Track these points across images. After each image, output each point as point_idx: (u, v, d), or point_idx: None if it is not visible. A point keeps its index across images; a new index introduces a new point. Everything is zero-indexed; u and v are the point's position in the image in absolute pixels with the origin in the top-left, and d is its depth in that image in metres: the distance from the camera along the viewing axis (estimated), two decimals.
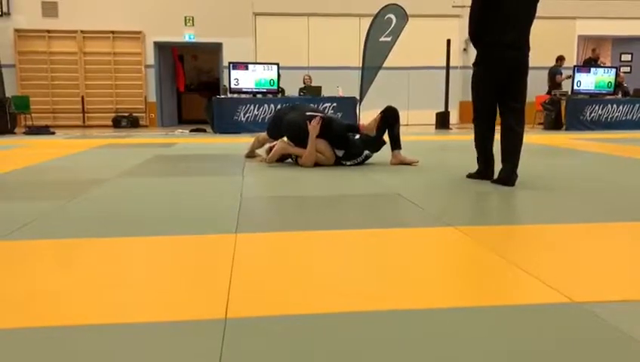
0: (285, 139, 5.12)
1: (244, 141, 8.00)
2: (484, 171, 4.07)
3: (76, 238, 2.39)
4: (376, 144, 5.10)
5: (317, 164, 4.92)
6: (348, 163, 4.98)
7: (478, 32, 3.81)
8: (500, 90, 3.88)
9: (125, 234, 2.48)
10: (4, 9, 12.52)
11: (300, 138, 4.92)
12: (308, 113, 5.07)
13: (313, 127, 4.83)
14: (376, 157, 5.21)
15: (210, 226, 2.62)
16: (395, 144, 5.11)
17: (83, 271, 1.94)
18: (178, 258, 2.13)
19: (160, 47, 13.69)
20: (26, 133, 10.38)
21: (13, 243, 2.32)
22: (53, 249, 2.24)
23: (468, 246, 2.26)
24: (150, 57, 13.51)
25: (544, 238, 2.45)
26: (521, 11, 3.77)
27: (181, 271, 1.97)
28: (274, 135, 5.25)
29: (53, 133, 10.44)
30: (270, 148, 5.28)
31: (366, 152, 5.03)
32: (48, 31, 13.01)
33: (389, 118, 5.10)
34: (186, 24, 13.40)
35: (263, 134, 5.48)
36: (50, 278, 1.86)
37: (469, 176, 4.20)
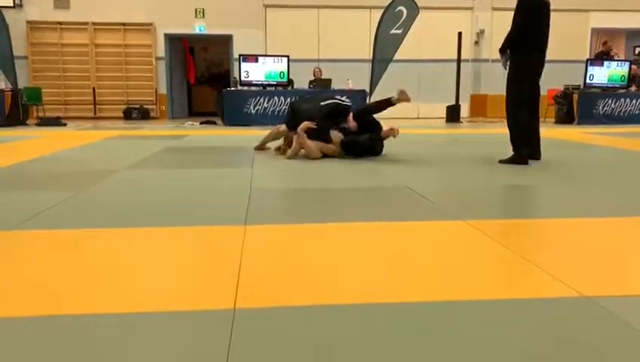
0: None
1: (254, 133, 8.01)
2: (530, 152, 4.59)
3: (86, 229, 2.41)
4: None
5: (325, 155, 4.92)
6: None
7: (523, 40, 4.51)
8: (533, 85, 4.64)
9: (135, 225, 2.50)
10: (17, 1, 12.59)
11: (315, 131, 4.90)
12: (322, 103, 5.05)
13: (305, 125, 4.81)
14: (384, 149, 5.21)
15: (220, 217, 2.63)
16: (385, 102, 5.09)
17: (93, 262, 1.95)
18: (188, 248, 2.15)
19: (170, 39, 13.71)
20: (37, 125, 10.46)
21: (25, 232, 2.35)
22: (64, 239, 2.26)
23: (477, 240, 2.25)
24: (161, 49, 13.53)
25: (555, 232, 2.44)
26: (549, 25, 4.65)
27: (190, 261, 1.98)
28: (291, 126, 5.19)
29: (64, 125, 10.51)
30: (281, 146, 5.24)
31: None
32: (60, 23, 13.06)
33: (363, 118, 5.10)
34: (196, 16, 13.40)
35: (284, 127, 5.37)
36: (61, 268, 1.88)
37: (502, 161, 4.55)
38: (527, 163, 4.49)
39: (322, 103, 5.05)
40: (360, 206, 3.07)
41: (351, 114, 5.09)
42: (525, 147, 4.54)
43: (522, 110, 4.57)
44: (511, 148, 4.61)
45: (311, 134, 4.89)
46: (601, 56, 12.29)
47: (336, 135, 4.96)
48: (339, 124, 5.06)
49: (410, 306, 1.53)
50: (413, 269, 1.87)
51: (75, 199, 3.09)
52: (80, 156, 5.35)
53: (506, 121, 4.73)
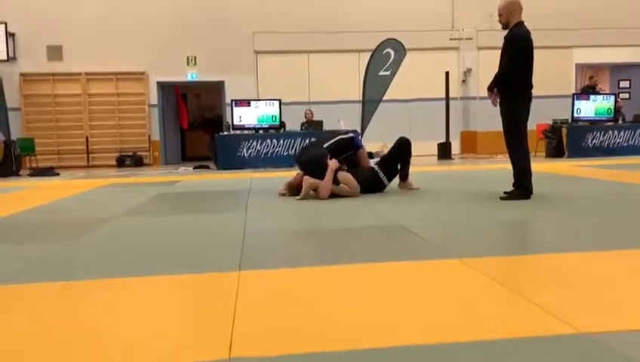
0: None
1: (247, 177, 8.04)
2: (531, 187, 4.58)
3: (79, 280, 2.38)
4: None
5: (332, 195, 4.91)
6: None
7: (518, 78, 4.59)
8: None
9: (128, 274, 2.46)
10: (10, 54, 12.77)
11: (318, 174, 4.93)
12: (325, 145, 5.17)
13: (334, 162, 4.90)
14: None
15: (214, 264, 2.60)
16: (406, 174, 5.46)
17: (84, 314, 1.92)
18: (181, 297, 2.12)
19: (163, 86, 13.88)
20: (30, 175, 10.44)
21: (17, 287, 2.31)
22: (56, 292, 2.23)
23: (472, 278, 2.23)
24: (153, 97, 13.68)
25: (549, 268, 2.42)
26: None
27: (184, 310, 1.95)
28: (302, 171, 5.27)
29: (57, 174, 10.50)
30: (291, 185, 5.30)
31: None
32: (53, 74, 13.23)
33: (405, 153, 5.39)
34: (188, 64, 13.61)
35: (293, 178, 5.35)
36: (53, 322, 1.84)
37: (504, 198, 4.54)
38: (530, 197, 4.50)
39: (325, 145, 5.19)
40: (356, 247, 3.05)
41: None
42: (529, 180, 4.59)
43: (524, 145, 4.67)
44: (510, 184, 4.63)
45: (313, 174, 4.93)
46: (588, 91, 12.52)
47: (349, 176, 5.01)
48: (349, 158, 5.22)
49: (410, 349, 1.50)
50: (411, 311, 1.84)
51: (68, 249, 3.06)
52: (73, 205, 5.33)
53: (508, 157, 4.73)
